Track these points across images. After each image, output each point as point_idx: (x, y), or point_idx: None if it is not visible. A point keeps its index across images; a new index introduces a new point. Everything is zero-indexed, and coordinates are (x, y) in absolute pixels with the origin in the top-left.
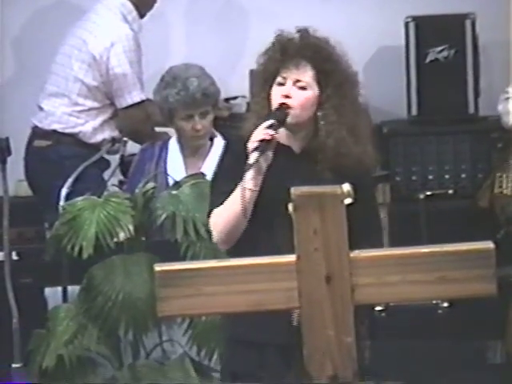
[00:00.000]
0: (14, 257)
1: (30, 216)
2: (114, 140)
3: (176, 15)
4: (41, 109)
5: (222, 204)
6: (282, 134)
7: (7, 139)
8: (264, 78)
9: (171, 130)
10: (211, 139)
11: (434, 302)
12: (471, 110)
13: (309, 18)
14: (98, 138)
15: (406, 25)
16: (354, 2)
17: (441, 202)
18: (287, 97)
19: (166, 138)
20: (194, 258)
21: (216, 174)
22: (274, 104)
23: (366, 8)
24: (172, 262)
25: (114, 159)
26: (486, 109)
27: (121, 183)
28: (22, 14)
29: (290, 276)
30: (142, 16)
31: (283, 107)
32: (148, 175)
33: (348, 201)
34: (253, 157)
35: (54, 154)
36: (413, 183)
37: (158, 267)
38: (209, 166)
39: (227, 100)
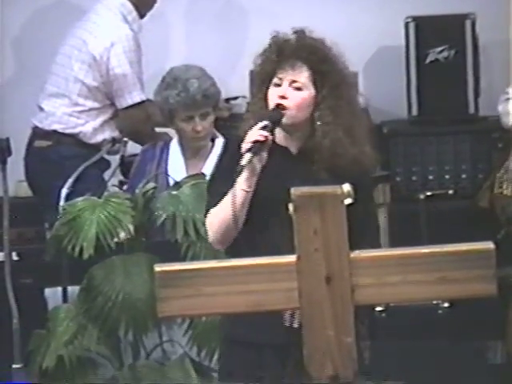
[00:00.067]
0: (14, 257)
1: (30, 216)
2: (114, 140)
3: (176, 15)
4: (41, 109)
5: (218, 204)
6: (278, 135)
7: (7, 139)
8: (261, 78)
9: (171, 131)
10: (212, 140)
11: (435, 302)
12: (471, 110)
13: (309, 19)
14: (99, 138)
15: (406, 25)
16: (354, 2)
17: (441, 202)
18: (283, 97)
19: (167, 139)
20: (195, 258)
21: (213, 174)
22: (271, 105)
23: (366, 8)
24: (172, 262)
25: (115, 159)
26: (486, 109)
27: (121, 183)
28: (22, 13)
29: (290, 276)
30: (141, 16)
31: (278, 108)
32: (149, 176)
33: (348, 201)
34: (246, 158)
35: (55, 155)
36: (413, 183)
37: (158, 267)
38: (210, 167)
39: (227, 100)
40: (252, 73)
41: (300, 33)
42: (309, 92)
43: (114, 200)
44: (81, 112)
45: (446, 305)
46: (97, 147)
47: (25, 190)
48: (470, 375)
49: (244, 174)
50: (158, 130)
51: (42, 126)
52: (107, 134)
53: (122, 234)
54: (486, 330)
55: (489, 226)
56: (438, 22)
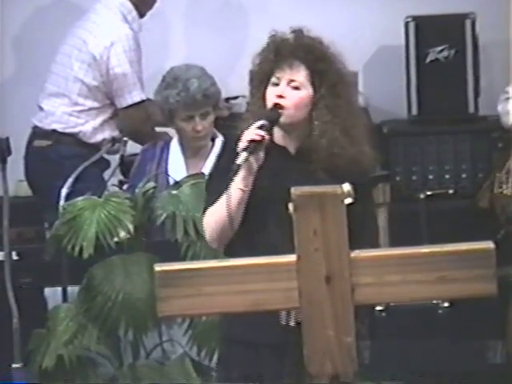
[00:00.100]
0: (14, 257)
1: (29, 216)
2: (114, 140)
3: (176, 15)
4: (41, 109)
5: (215, 203)
6: (277, 135)
7: (7, 139)
8: (259, 78)
9: (172, 130)
10: (213, 140)
11: (435, 302)
12: (471, 109)
13: (309, 18)
14: (98, 137)
15: (406, 24)
16: (355, 2)
17: (441, 201)
18: (281, 97)
19: (167, 139)
20: (195, 257)
21: (211, 173)
22: (269, 104)
23: (366, 7)
24: (172, 262)
25: (114, 159)
26: (486, 108)
27: (121, 183)
28: (21, 13)
29: (290, 276)
30: (141, 16)
31: (276, 108)
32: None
33: (348, 201)
34: (241, 157)
35: (54, 154)
36: (413, 183)
37: (158, 267)
38: (210, 167)
39: (227, 100)
40: (251, 72)
41: (298, 32)
42: (307, 91)
43: (113, 199)
44: (81, 111)
45: (446, 304)
46: (97, 147)
47: (25, 190)
48: (469, 375)
49: (241, 173)
50: (158, 129)
51: (41, 125)
52: (107, 133)
53: (122, 234)
54: (486, 329)
55: (489, 226)
56: (438, 21)
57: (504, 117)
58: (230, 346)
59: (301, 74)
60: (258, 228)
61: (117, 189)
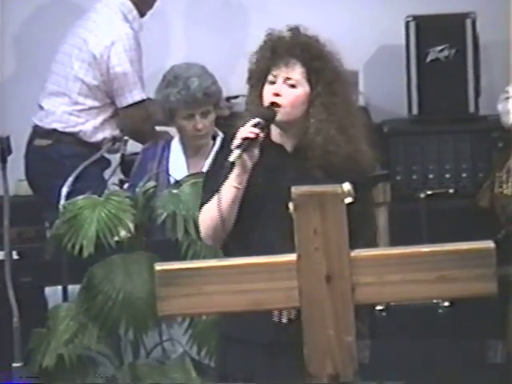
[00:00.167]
0: (15, 256)
1: (30, 215)
2: (114, 139)
3: (176, 14)
4: (41, 108)
5: (210, 200)
6: (274, 133)
7: (8, 138)
8: (256, 76)
9: (173, 129)
10: (214, 138)
11: (435, 301)
12: (472, 109)
13: (309, 18)
14: (99, 137)
15: (407, 24)
16: (355, 1)
17: (441, 201)
18: (277, 95)
19: (168, 138)
20: (195, 257)
21: (208, 171)
22: (265, 103)
23: (366, 7)
24: (172, 261)
25: (115, 158)
26: (486, 108)
27: (121, 182)
28: (22, 12)
29: (290, 275)
30: (142, 15)
31: (272, 106)
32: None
33: (348, 200)
34: (234, 154)
35: (55, 153)
36: (413, 182)
37: (158, 266)
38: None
39: (228, 99)
40: (248, 71)
41: (294, 30)
42: (303, 89)
43: (114, 198)
44: (81, 111)
45: (446, 304)
46: (97, 146)
47: (25, 189)
48: (469, 374)
49: (235, 171)
50: (158, 128)
51: (42, 124)
52: (107, 132)
53: (123, 233)
54: (486, 329)
55: (489, 226)
56: (439, 21)
57: (504, 116)
58: (225, 344)
59: (297, 72)
60: (254, 226)
61: (117, 188)
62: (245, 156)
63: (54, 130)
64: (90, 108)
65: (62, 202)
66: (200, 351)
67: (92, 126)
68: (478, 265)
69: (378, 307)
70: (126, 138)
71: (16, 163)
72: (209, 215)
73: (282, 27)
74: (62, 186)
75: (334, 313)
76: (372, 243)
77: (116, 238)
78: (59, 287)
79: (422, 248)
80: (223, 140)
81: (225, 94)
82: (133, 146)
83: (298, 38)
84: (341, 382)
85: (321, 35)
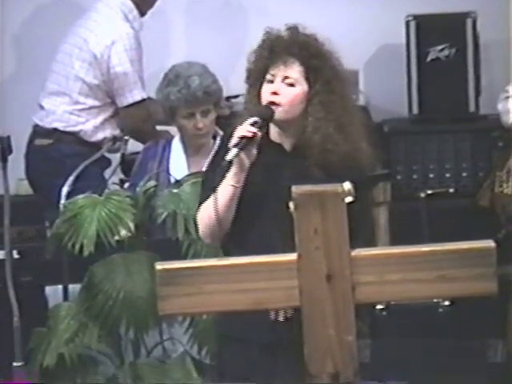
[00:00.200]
0: (15, 255)
1: (30, 214)
2: (114, 138)
3: (177, 14)
4: (42, 107)
5: (208, 199)
6: (273, 132)
7: (8, 138)
8: (255, 75)
9: (173, 129)
10: (214, 138)
11: (435, 300)
12: (472, 108)
13: (310, 17)
14: (99, 136)
15: (407, 23)
16: (355, 1)
17: (441, 200)
18: (276, 94)
19: (169, 137)
20: (196, 256)
21: (207, 169)
22: (264, 102)
23: (367, 6)
24: (173, 260)
25: (115, 158)
26: (486, 107)
27: (122, 182)
28: (22, 11)
29: (290, 274)
30: (142, 14)
31: (271, 105)
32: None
33: (349, 199)
34: (231, 153)
35: (55, 153)
36: (414, 182)
37: (158, 266)
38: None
39: (228, 98)
40: (247, 70)
41: (293, 29)
42: (301, 88)
43: (114, 198)
44: (81, 110)
45: (447, 303)
46: (97, 145)
47: (25, 188)
48: (470, 374)
49: (232, 170)
50: (159, 127)
51: (42, 124)
52: (108, 132)
53: (123, 232)
54: (487, 328)
55: (489, 225)
56: (439, 20)
57: (504, 116)
58: (223, 343)
59: (295, 71)
60: (252, 224)
61: (118, 187)
62: (242, 155)
63: (55, 130)
64: (91, 107)
65: (63, 201)
66: (201, 350)
67: (92, 125)
68: (478, 264)
69: (379, 306)
70: (126, 137)
71: (16, 162)
72: (206, 213)
73: (282, 27)
74: (62, 185)
75: (335, 312)
76: (370, 241)
77: (116, 238)
78: (60, 286)
79: (422, 247)
80: (222, 139)
81: (225, 93)
82: (133, 146)
83: (296, 37)
84: (341, 382)
85: (319, 34)
